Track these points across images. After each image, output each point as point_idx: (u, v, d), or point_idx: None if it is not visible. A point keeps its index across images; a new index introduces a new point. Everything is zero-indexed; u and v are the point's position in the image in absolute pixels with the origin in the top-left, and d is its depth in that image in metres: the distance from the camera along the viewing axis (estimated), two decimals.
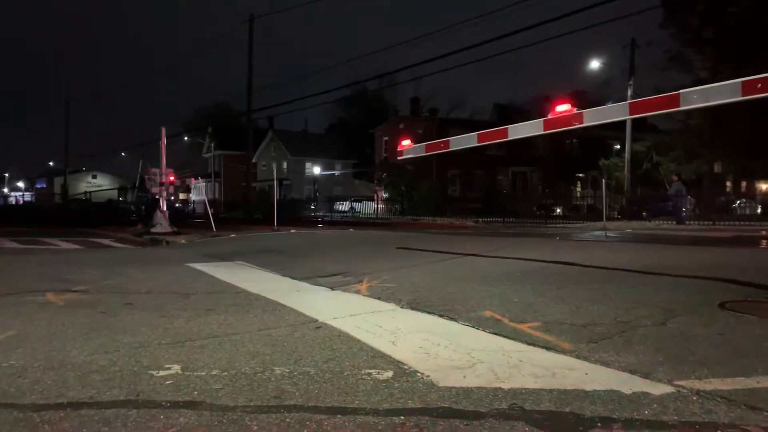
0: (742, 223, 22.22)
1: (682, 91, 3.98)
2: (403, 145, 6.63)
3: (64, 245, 13.08)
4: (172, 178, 14.46)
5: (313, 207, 39.96)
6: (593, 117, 4.81)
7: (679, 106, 4.02)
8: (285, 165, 64.03)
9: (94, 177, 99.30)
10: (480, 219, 28.85)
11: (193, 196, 72.31)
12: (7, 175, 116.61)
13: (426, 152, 6.50)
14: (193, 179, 18.72)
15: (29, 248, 12.51)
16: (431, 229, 19.62)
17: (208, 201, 16.11)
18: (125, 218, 29.92)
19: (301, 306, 4.55)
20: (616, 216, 28.82)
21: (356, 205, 55.86)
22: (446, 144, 5.98)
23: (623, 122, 34.95)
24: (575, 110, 4.72)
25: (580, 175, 51.60)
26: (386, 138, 57.39)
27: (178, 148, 65.57)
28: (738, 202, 44.25)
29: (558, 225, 24.44)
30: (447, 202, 42.71)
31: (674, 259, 6.44)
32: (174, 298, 5.06)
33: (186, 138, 61.67)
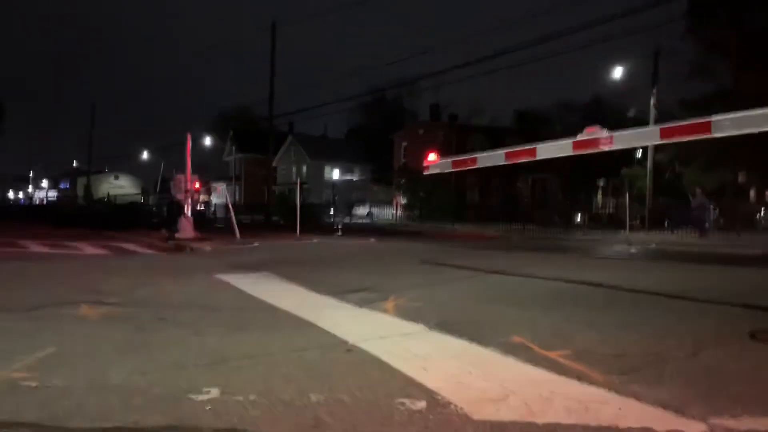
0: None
1: (713, 118, 3.98)
2: (429, 160, 6.69)
3: (91, 250, 13.31)
4: (197, 185, 14.68)
5: (332, 212, 40.13)
6: (623, 141, 4.82)
7: (710, 133, 4.02)
8: (304, 169, 64.41)
9: (116, 178, 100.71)
10: (500, 226, 28.80)
11: (214, 199, 73.08)
12: (31, 174, 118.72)
13: (453, 168, 6.56)
14: (219, 187, 18.98)
15: (57, 253, 12.76)
16: (453, 239, 19.64)
17: (230, 205, 16.23)
18: (147, 220, 30.33)
19: (330, 325, 4.61)
20: (637, 224, 28.65)
21: (374, 210, 55.99)
22: (473, 161, 6.02)
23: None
24: (605, 132, 4.74)
25: (601, 182, 51.20)
26: (405, 144, 57.47)
27: (200, 151, 66.16)
28: (762, 211, 43.60)
29: (580, 236, 24.29)
30: (466, 208, 42.62)
31: (700, 281, 6.41)
32: (205, 313, 5.16)
33: (208, 142, 62.25)
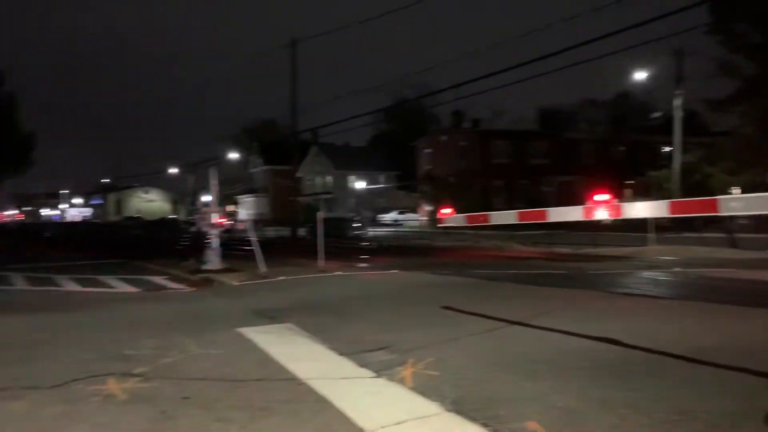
0: None
1: (720, 197, 3.97)
2: (443, 213, 6.81)
3: (122, 288, 13.75)
4: (222, 221, 15.02)
5: (356, 226, 40.27)
6: (631, 211, 4.85)
7: (717, 212, 4.04)
8: (329, 179, 64.93)
9: (146, 192, 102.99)
10: (525, 235, 28.66)
11: (241, 211, 74.02)
12: (66, 191, 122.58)
13: (467, 223, 6.65)
14: (241, 224, 19.32)
15: (88, 292, 13.20)
16: (476, 260, 19.64)
17: (254, 236, 16.39)
18: (177, 240, 31.04)
19: (349, 405, 4.71)
20: (666, 224, 28.23)
21: (401, 217, 56.18)
22: (485, 218, 6.12)
23: (670, 127, 34.15)
24: (615, 201, 4.77)
25: (630, 182, 50.59)
26: (428, 150, 57.51)
27: (226, 164, 67.26)
28: None
29: (604, 250, 23.95)
30: None
31: (720, 335, 6.40)
32: (227, 389, 5.31)
33: (234, 155, 63.23)
